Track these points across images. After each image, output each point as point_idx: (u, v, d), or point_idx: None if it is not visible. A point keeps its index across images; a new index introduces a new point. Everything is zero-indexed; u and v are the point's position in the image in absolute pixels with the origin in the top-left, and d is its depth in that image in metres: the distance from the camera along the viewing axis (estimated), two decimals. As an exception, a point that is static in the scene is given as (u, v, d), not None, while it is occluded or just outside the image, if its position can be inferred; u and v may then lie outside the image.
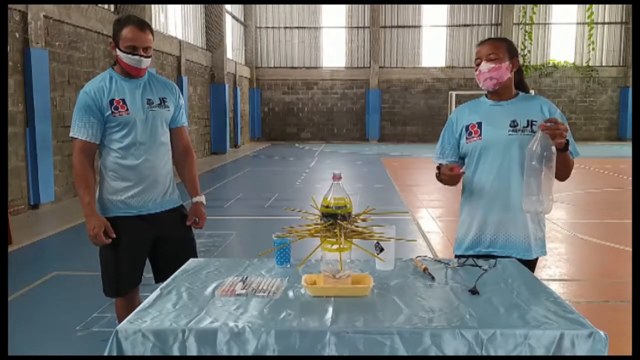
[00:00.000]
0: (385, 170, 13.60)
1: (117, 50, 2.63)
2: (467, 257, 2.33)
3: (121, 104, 2.65)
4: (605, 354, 1.55)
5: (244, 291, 1.83)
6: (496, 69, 2.39)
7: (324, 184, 10.66)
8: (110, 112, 2.64)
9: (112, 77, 2.70)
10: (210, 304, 1.76)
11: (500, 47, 2.42)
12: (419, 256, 2.29)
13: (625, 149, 19.30)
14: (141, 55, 2.62)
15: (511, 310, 1.72)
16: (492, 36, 23.76)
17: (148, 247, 2.79)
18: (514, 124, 2.39)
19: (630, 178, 11.68)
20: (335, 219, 1.84)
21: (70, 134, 2.68)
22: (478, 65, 2.44)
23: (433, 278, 2.02)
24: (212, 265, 2.20)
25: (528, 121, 2.38)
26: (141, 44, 2.62)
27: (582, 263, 5.70)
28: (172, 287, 1.93)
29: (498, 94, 2.46)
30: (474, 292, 1.86)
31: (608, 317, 4.11)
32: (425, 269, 2.09)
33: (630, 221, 7.60)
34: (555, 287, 4.77)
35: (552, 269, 5.32)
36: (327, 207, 1.86)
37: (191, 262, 2.26)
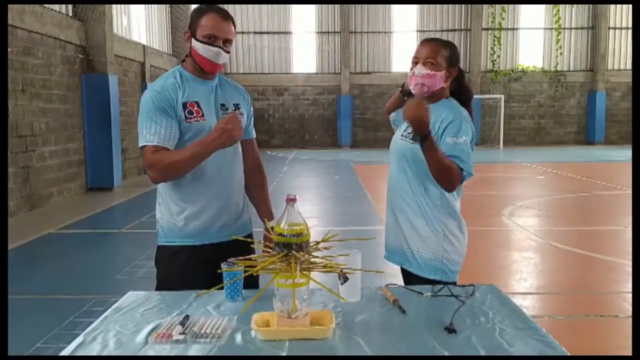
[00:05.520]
0: (357, 177, 13.38)
1: (193, 40, 2.25)
2: (443, 283, 2.09)
3: (196, 108, 2.24)
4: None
5: (182, 336, 1.55)
6: (430, 76, 2.20)
7: (297, 194, 10.37)
8: (183, 116, 2.22)
9: (182, 75, 2.29)
10: (141, 353, 1.48)
11: (440, 53, 2.22)
12: (389, 284, 2.05)
13: (593, 153, 19.52)
14: (220, 47, 2.25)
15: (493, 352, 1.50)
16: (460, 41, 24.09)
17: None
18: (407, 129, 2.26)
19: (601, 182, 11.70)
20: (289, 249, 1.59)
21: (140, 144, 2.22)
22: (415, 64, 2.25)
23: (404, 311, 1.78)
24: (153, 300, 1.91)
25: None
26: (223, 34, 2.23)
27: (558, 274, 5.52)
28: (98, 331, 1.63)
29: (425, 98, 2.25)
30: (450, 330, 1.62)
31: (589, 332, 3.93)
32: (395, 301, 1.85)
33: (606, 228, 7.49)
34: (533, 302, 4.59)
35: (529, 282, 5.14)
36: (281, 234, 1.61)
37: (129, 296, 1.96)
